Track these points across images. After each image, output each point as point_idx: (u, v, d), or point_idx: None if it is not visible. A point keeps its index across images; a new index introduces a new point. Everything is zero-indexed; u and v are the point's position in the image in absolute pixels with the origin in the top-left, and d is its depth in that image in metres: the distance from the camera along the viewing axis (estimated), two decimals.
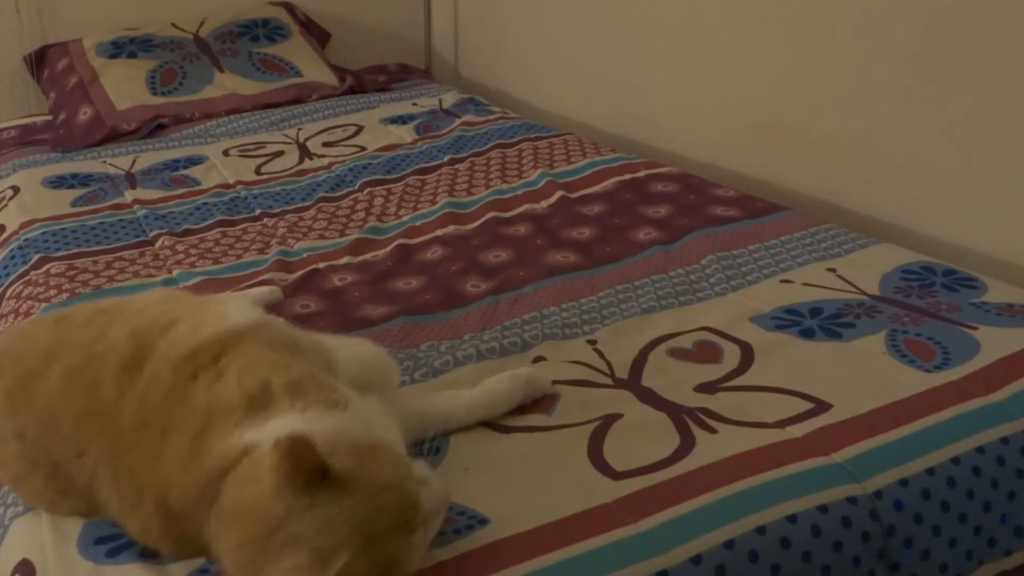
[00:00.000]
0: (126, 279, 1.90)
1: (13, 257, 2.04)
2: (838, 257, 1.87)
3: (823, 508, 1.22)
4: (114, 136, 2.77)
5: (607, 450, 1.31)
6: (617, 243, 1.98)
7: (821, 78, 2.22)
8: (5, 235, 2.18)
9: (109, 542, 1.18)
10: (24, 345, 1.27)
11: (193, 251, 2.02)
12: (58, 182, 2.42)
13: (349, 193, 2.32)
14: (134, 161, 2.57)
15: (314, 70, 3.15)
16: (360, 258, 1.98)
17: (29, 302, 1.82)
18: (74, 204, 2.28)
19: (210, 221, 2.18)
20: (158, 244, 2.07)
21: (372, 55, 3.54)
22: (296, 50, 3.20)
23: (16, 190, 2.39)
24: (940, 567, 1.28)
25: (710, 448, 1.30)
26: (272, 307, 1.72)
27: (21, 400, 1.21)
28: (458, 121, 2.77)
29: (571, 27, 2.95)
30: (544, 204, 2.19)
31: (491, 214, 2.15)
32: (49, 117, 2.96)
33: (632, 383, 1.48)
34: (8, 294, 1.91)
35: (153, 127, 2.81)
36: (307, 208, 2.24)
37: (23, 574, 1.18)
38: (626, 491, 1.22)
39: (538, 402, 1.43)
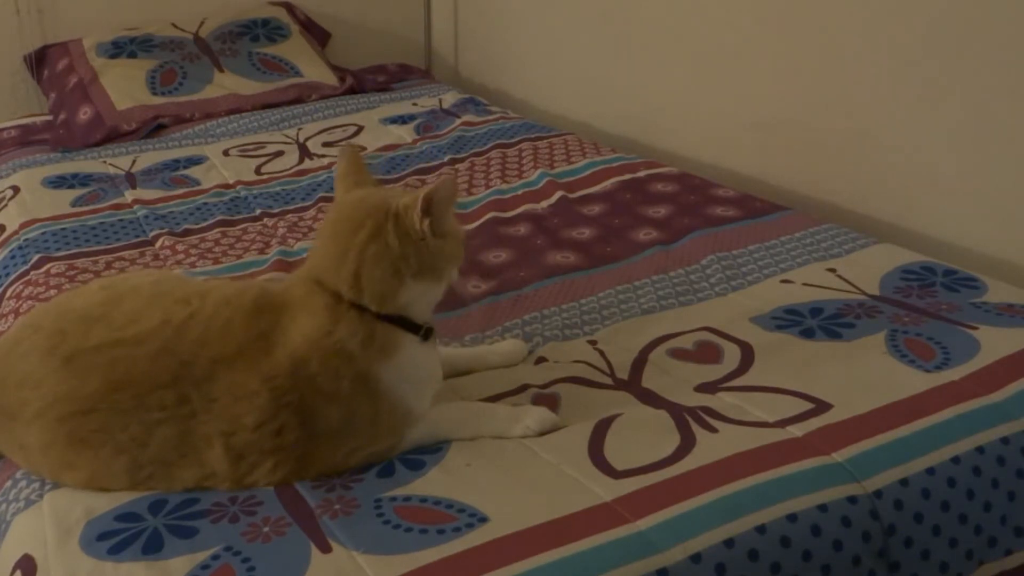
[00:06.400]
0: None
1: (13, 257, 2.04)
2: (838, 257, 1.87)
3: (823, 507, 1.22)
4: (114, 136, 2.77)
5: (607, 449, 1.31)
6: (617, 243, 1.98)
7: (821, 78, 2.22)
8: (5, 235, 2.18)
9: (111, 538, 1.18)
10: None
11: (193, 251, 2.02)
12: (58, 182, 2.42)
13: None
14: (134, 161, 2.57)
15: (314, 70, 3.15)
16: None
17: (29, 302, 1.82)
18: (74, 204, 2.28)
19: (210, 221, 2.18)
20: (158, 244, 2.07)
21: (372, 55, 3.54)
22: (296, 50, 3.20)
23: (16, 190, 2.39)
24: (940, 567, 1.28)
25: (710, 447, 1.30)
26: None
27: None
28: (458, 121, 2.78)
29: (571, 27, 2.95)
30: (544, 204, 2.20)
31: (491, 214, 2.15)
32: (49, 117, 2.96)
33: (632, 383, 1.48)
34: (8, 294, 1.91)
35: (153, 127, 2.81)
36: (307, 208, 2.24)
37: (25, 569, 1.18)
38: (626, 490, 1.23)
39: (539, 401, 1.43)
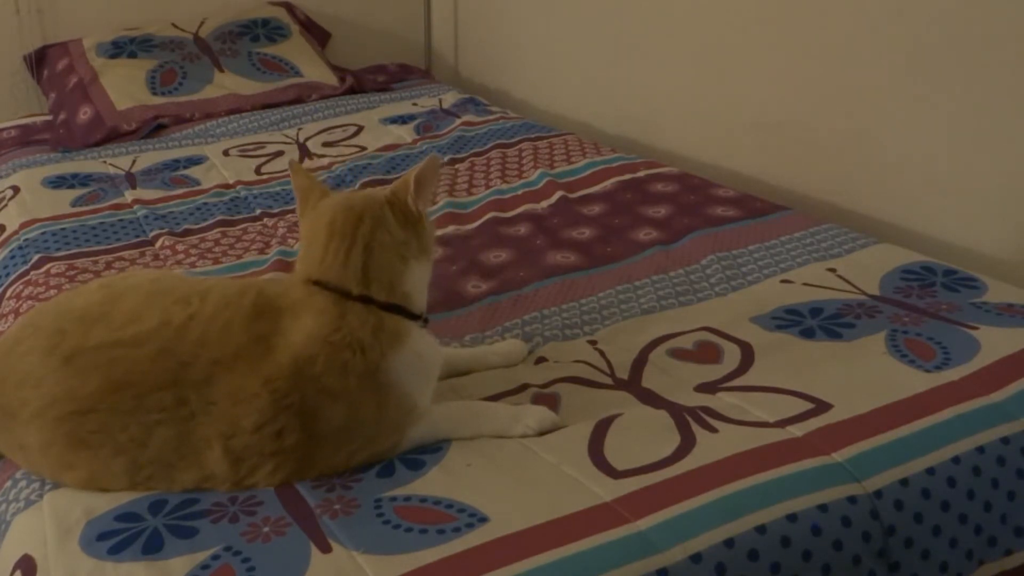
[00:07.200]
0: None
1: (13, 257, 2.04)
2: (838, 257, 1.87)
3: (823, 507, 1.22)
4: (114, 136, 2.77)
5: (607, 449, 1.31)
6: (617, 243, 1.98)
7: (821, 78, 2.22)
8: (5, 235, 2.18)
9: (111, 538, 1.18)
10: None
11: (193, 251, 2.02)
12: (58, 182, 2.42)
13: None
14: (134, 161, 2.57)
15: (314, 70, 3.15)
16: None
17: (29, 302, 1.82)
18: (74, 204, 2.28)
19: (210, 221, 2.18)
20: (158, 244, 2.07)
21: (372, 55, 3.54)
22: (296, 50, 3.20)
23: (16, 190, 2.39)
24: (940, 567, 1.28)
25: (710, 447, 1.30)
26: None
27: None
28: (458, 121, 2.78)
29: (571, 27, 2.95)
30: (544, 204, 2.20)
31: (491, 214, 2.15)
32: (49, 117, 2.96)
33: (632, 383, 1.48)
34: (8, 294, 1.91)
35: (153, 127, 2.81)
36: None
37: (25, 569, 1.18)
38: (626, 490, 1.23)
39: (539, 401, 1.43)
